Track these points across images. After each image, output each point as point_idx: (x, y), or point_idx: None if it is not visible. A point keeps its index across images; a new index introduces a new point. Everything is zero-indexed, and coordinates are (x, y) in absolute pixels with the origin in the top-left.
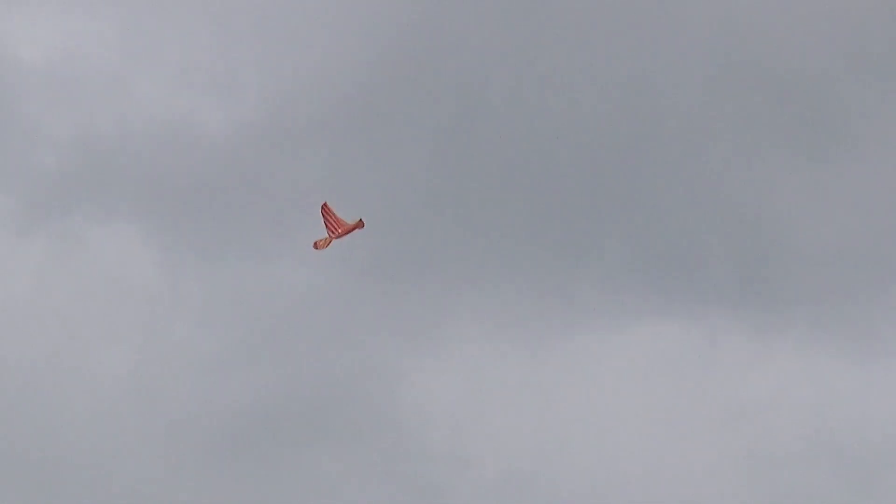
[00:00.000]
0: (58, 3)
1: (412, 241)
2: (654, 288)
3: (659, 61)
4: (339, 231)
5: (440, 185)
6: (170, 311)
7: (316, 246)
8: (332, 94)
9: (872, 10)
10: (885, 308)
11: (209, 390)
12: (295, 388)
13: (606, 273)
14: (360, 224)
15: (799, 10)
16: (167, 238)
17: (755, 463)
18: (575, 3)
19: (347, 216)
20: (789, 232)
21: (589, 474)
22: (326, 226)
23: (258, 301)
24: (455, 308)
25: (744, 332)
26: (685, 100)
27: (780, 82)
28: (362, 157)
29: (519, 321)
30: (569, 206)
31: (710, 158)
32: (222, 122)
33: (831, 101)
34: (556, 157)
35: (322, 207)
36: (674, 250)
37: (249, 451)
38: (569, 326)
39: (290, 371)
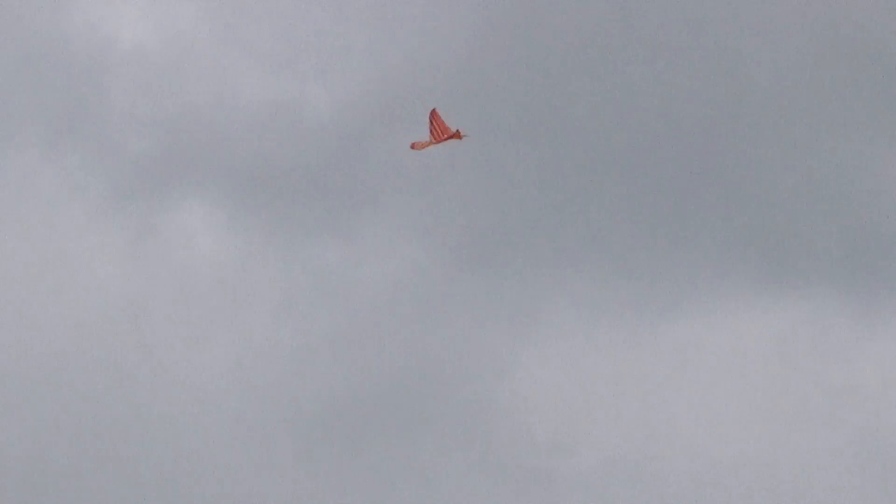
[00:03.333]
0: None
1: (508, 227)
2: (758, 270)
3: (761, 38)
4: (441, 136)
5: (537, 170)
6: (262, 300)
7: (413, 146)
8: (432, 79)
9: None
10: None
11: (304, 381)
12: (391, 377)
13: (708, 256)
14: (458, 134)
15: None
16: (259, 224)
17: (866, 448)
18: None
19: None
20: (892, 213)
21: (693, 461)
22: (431, 131)
23: (354, 288)
24: (554, 293)
25: (851, 314)
26: (786, 76)
27: (888, 62)
28: (459, 143)
29: (620, 307)
30: (669, 187)
31: (813, 137)
32: (322, 107)
33: None
34: (655, 137)
35: (431, 113)
36: (777, 232)
37: (348, 442)
38: (670, 310)
39: (385, 360)
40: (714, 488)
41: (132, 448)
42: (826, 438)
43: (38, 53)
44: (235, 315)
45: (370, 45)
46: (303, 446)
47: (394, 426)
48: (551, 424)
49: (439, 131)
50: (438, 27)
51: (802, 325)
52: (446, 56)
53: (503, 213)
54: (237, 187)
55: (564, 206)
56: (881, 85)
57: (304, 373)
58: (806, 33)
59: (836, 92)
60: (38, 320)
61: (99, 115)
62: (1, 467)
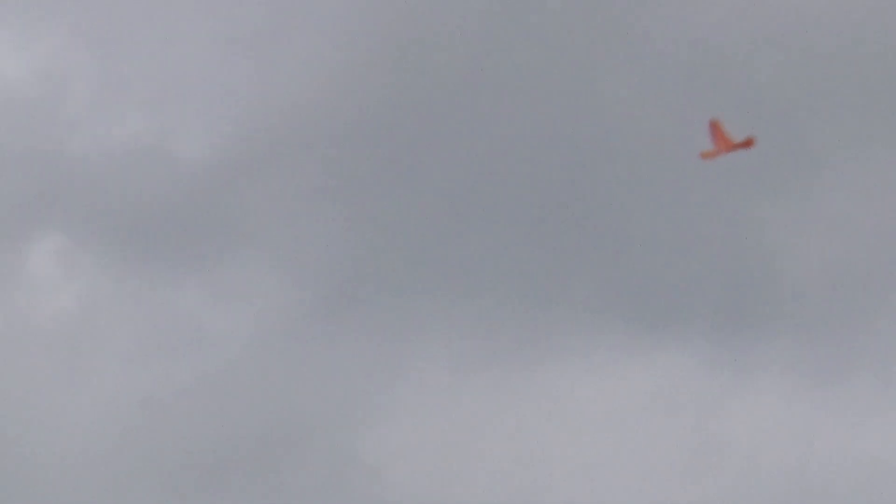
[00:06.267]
0: (31, 20)
1: (376, 273)
2: (632, 320)
3: (628, 80)
4: (729, 146)
5: (407, 215)
6: (118, 345)
7: (702, 155)
8: (306, 118)
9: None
10: (867, 343)
11: (160, 431)
12: (251, 426)
13: (581, 304)
14: (750, 141)
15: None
16: (120, 266)
17: (740, 501)
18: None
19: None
20: (773, 263)
21: None
22: (715, 141)
23: (214, 334)
24: (422, 341)
25: (726, 364)
26: (659, 121)
27: (764, 113)
28: (324, 196)
29: (489, 356)
30: (541, 233)
31: (686, 186)
32: (193, 146)
33: (807, 128)
34: (527, 182)
35: (711, 123)
36: (651, 281)
37: (206, 495)
38: (541, 360)
39: (246, 408)
40: None
41: None
42: (700, 491)
43: None
44: (90, 361)
45: (246, 85)
46: (157, 500)
47: (254, 477)
48: (416, 477)
49: (724, 143)
50: (315, 67)
51: (677, 375)
52: (322, 95)
53: (371, 259)
54: (103, 228)
55: (434, 253)
56: (761, 126)
57: (160, 422)
58: (678, 79)
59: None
60: None
61: None
62: None
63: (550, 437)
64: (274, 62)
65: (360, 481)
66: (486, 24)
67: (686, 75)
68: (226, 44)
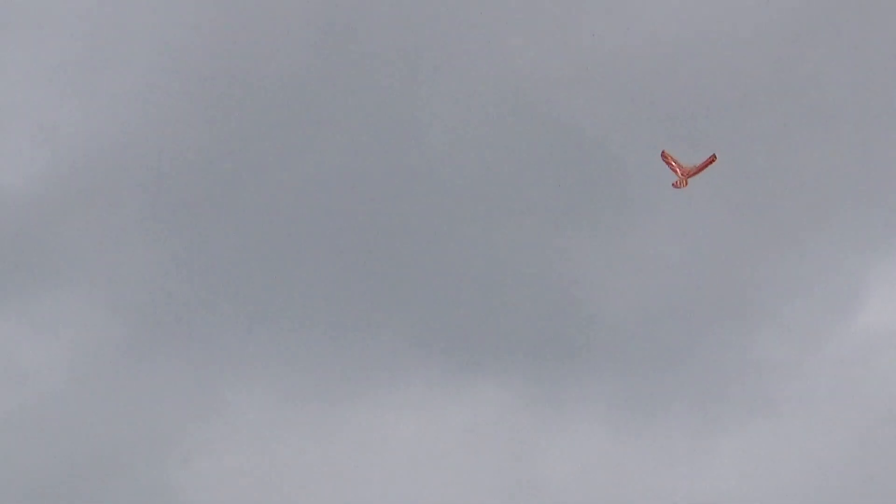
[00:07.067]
0: None
1: (194, 306)
2: (446, 357)
3: (450, 120)
4: (692, 171)
5: (221, 249)
6: None
7: (676, 185)
8: (126, 155)
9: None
10: (681, 378)
11: None
12: (69, 459)
13: (400, 341)
14: (713, 158)
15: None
16: None
17: None
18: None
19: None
20: (589, 300)
21: None
22: (674, 170)
23: (29, 366)
24: (241, 376)
25: (541, 401)
26: (474, 164)
27: (575, 147)
28: (143, 230)
29: (306, 391)
30: (354, 269)
31: (502, 221)
32: (13, 179)
33: (620, 168)
34: (347, 221)
35: (662, 155)
36: (465, 318)
37: None
38: (355, 397)
39: (63, 442)
40: None
41: None
42: None
43: None
44: None
45: (65, 120)
46: None
47: None
48: None
49: (683, 167)
50: (134, 104)
51: (493, 411)
52: (142, 131)
53: (188, 294)
54: None
55: (252, 289)
56: (570, 167)
57: None
58: (487, 114)
59: (524, 174)
60: None
61: None
62: None
63: (368, 472)
64: (93, 98)
65: None
66: (305, 62)
67: (497, 114)
68: (46, 79)
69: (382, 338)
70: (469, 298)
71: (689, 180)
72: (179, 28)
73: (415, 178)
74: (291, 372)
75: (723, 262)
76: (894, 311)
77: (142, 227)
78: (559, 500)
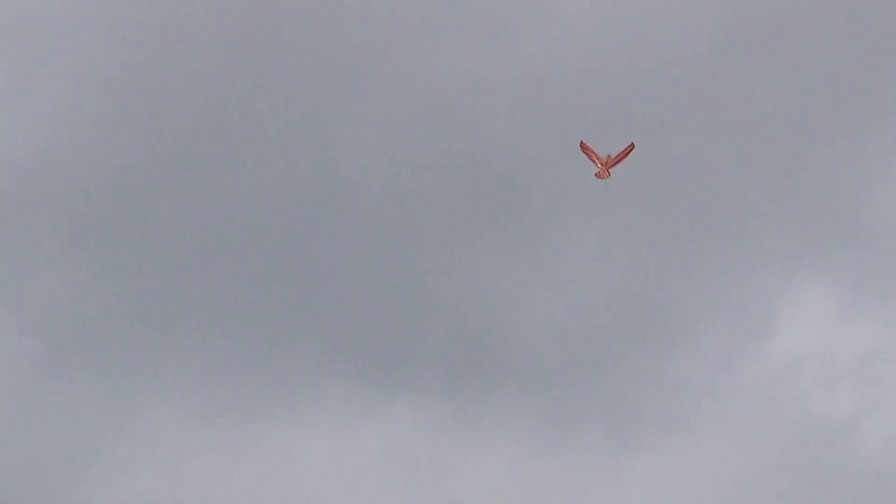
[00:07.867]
0: None
1: (109, 323)
2: (364, 374)
3: (364, 138)
4: (610, 162)
5: (139, 268)
6: None
7: (598, 176)
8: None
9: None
10: (595, 396)
11: None
12: None
13: (313, 360)
14: (631, 147)
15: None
16: None
17: None
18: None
19: None
20: (503, 320)
21: None
22: (594, 161)
23: None
24: (157, 392)
25: (455, 420)
26: (388, 184)
27: (478, 169)
28: (56, 246)
29: (220, 409)
30: (272, 286)
31: (422, 241)
32: None
33: (531, 189)
34: (259, 239)
35: (581, 146)
36: (383, 336)
37: None
38: (272, 413)
39: None
40: None
41: None
42: None
43: None
44: None
45: None
46: None
47: None
48: None
49: (601, 158)
50: (51, 121)
51: (407, 430)
52: (57, 147)
53: (101, 310)
54: None
55: (166, 307)
56: (483, 188)
57: None
58: (400, 135)
59: (436, 194)
60: None
61: None
62: None
63: (283, 490)
64: (8, 115)
65: None
66: (218, 78)
67: (410, 136)
68: None
69: (298, 357)
70: (384, 318)
71: (611, 171)
72: (91, 51)
73: (329, 201)
74: (206, 390)
75: (639, 282)
76: (808, 333)
77: (52, 244)
78: None
